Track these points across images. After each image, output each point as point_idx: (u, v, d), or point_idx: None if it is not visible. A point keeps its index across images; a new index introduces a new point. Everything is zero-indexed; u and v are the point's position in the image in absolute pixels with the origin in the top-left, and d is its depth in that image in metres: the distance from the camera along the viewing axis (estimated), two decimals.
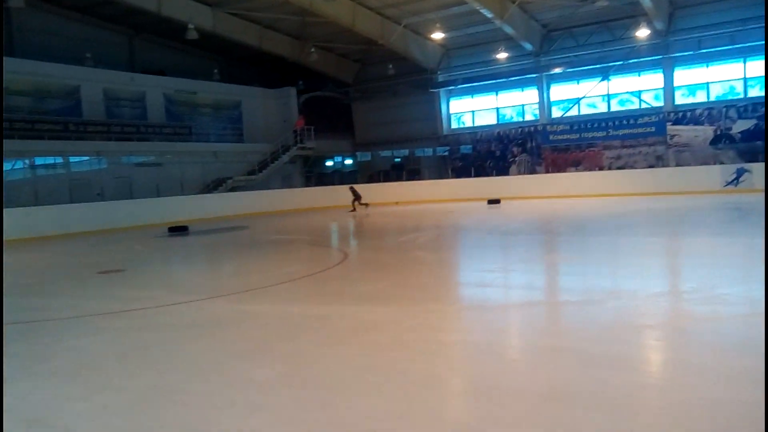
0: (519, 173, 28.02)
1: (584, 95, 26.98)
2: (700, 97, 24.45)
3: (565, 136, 26.88)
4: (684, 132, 24.14)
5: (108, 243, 16.06)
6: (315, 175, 31.48)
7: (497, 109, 29.74)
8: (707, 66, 24.15)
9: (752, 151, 22.00)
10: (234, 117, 29.63)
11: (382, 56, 29.23)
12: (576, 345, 4.79)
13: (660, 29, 23.79)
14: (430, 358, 4.62)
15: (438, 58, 30.10)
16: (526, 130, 28.19)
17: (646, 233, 12.52)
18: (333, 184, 29.46)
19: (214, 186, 26.18)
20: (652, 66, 25.08)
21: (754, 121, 22.52)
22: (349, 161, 34.61)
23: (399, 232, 15.37)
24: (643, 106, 25.69)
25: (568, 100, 27.53)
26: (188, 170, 25.94)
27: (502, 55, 27.11)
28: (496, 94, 29.57)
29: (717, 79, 24.07)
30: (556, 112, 27.90)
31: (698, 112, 23.93)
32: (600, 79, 26.26)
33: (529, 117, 28.75)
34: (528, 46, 26.60)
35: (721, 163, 22.58)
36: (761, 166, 19.53)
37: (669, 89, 24.83)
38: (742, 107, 22.98)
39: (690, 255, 9.71)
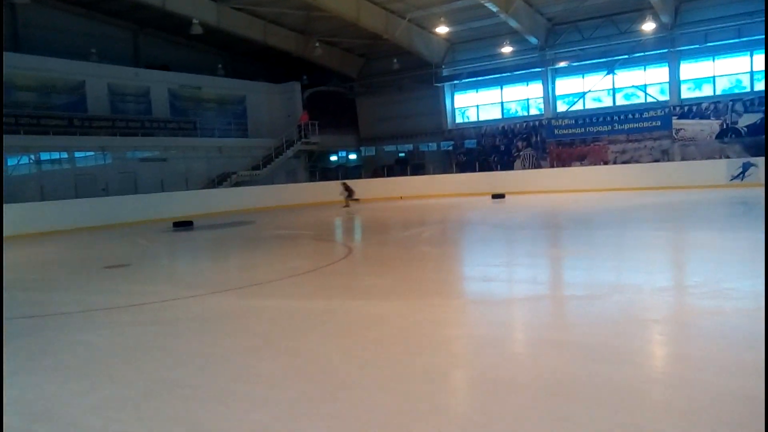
0: (523, 168, 27.95)
1: (589, 89, 26.86)
2: (706, 91, 24.31)
3: (570, 131, 26.78)
4: (690, 126, 24.02)
5: (113, 238, 16.12)
6: (319, 170, 31.48)
7: (502, 103, 29.65)
8: (713, 59, 24.00)
9: (758, 145, 21.89)
10: (238, 112, 29.64)
11: (387, 51, 29.16)
12: (580, 339, 4.79)
13: (666, 22, 23.65)
14: (434, 352, 4.62)
15: (443, 52, 30.01)
16: (531, 124, 28.11)
17: (651, 228, 12.47)
18: (337, 179, 29.40)
19: (218, 181, 26.22)
20: (657, 60, 24.94)
21: (760, 115, 22.38)
22: (353, 156, 34.58)
23: (403, 227, 15.37)
24: (649, 100, 25.57)
25: (573, 95, 27.42)
26: (193, 165, 25.99)
27: (507, 49, 27.00)
28: (501, 89, 29.48)
29: (723, 72, 23.91)
30: (561, 107, 27.80)
31: (704, 106, 23.80)
32: (605, 73, 26.14)
33: (533, 111, 28.66)
34: (533, 40, 26.49)
35: (727, 157, 22.47)
36: None
37: (675, 83, 24.69)
38: (749, 101, 22.84)
39: (695, 249, 9.68)
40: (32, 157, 21.71)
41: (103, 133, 23.48)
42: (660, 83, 25.29)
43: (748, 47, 22.91)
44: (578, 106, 27.28)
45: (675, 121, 24.24)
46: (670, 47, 24.18)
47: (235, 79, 29.48)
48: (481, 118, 30.23)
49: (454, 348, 4.86)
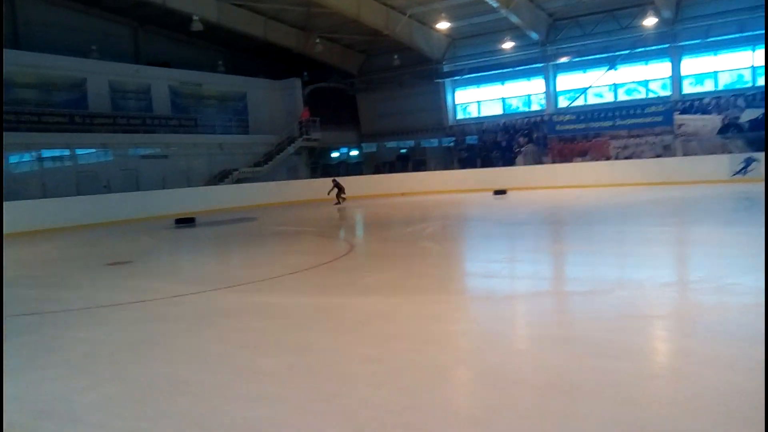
0: (525, 163, 27.92)
1: (591, 85, 26.80)
2: (708, 86, 24.25)
3: (572, 126, 26.74)
4: (691, 121, 23.97)
5: (115, 235, 16.14)
6: (320, 167, 31.46)
7: (503, 99, 29.60)
8: (715, 54, 23.93)
9: (761, 140, 21.82)
10: (239, 109, 29.62)
11: (388, 47, 29.11)
12: (583, 335, 4.79)
13: (667, 18, 23.58)
14: (437, 349, 4.63)
15: (443, 48, 29.96)
16: (533, 120, 28.07)
17: (654, 223, 12.46)
18: (339, 175, 29.43)
19: (220, 178, 26.22)
20: (659, 55, 24.88)
21: (762, 110, 22.31)
22: (354, 152, 34.57)
23: (405, 223, 15.37)
24: (651, 95, 25.51)
25: (575, 90, 27.37)
26: (194, 162, 26.00)
27: (508, 45, 26.95)
28: (502, 84, 29.43)
29: (725, 67, 23.85)
30: (563, 102, 27.75)
31: (706, 101, 23.75)
32: (607, 68, 26.07)
33: (535, 107, 28.61)
34: (534, 36, 26.43)
35: (729, 152, 22.42)
36: None
37: (676, 78, 24.63)
38: (751, 96, 22.78)
39: (698, 245, 9.67)
40: (34, 154, 21.72)
41: (105, 130, 23.48)
42: (662, 78, 25.24)
43: (750, 42, 22.84)
44: (580, 102, 27.23)
45: (677, 116, 24.20)
46: (671, 42, 24.11)
47: (236, 76, 29.45)
48: (482, 114, 30.19)
49: (457, 344, 4.87)
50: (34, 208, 18.32)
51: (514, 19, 24.60)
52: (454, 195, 24.26)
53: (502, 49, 27.39)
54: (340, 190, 23.08)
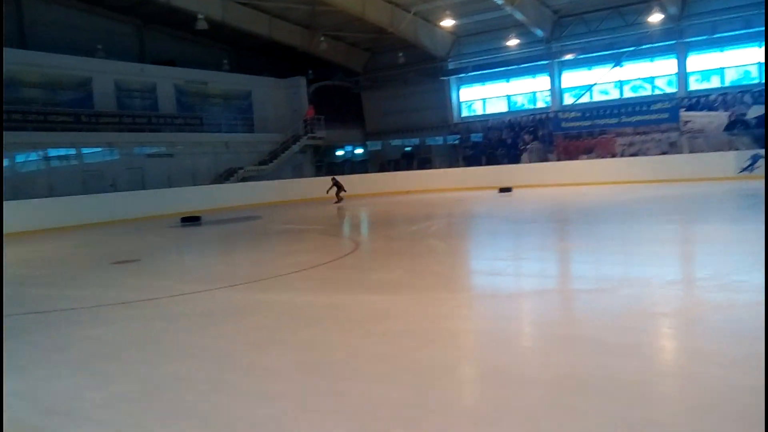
0: (530, 161, 27.83)
1: (596, 82, 26.71)
2: (715, 83, 24.12)
3: (577, 123, 26.62)
4: (698, 118, 23.84)
5: (122, 233, 16.20)
6: (325, 165, 31.47)
7: (508, 96, 29.53)
8: (722, 51, 23.80)
9: None
10: (244, 107, 29.66)
11: (392, 45, 29.07)
12: (589, 333, 4.78)
13: (673, 14, 23.46)
14: (442, 346, 4.63)
15: (448, 45, 29.90)
16: (538, 117, 27.98)
17: (660, 220, 12.41)
18: (344, 173, 29.44)
19: (225, 176, 26.28)
20: (665, 51, 24.75)
21: None
22: (359, 150, 34.56)
23: (410, 221, 15.36)
24: (656, 92, 25.40)
25: (580, 87, 27.27)
26: (200, 161, 26.06)
27: (513, 42, 26.86)
28: (507, 82, 29.35)
29: (732, 64, 23.72)
30: (568, 99, 27.66)
31: (712, 97, 23.62)
32: (612, 65, 25.97)
33: (540, 104, 28.52)
34: (539, 33, 26.34)
35: (736, 149, 22.28)
36: None
37: (682, 75, 24.51)
38: (757, 92, 22.62)
39: (704, 242, 9.62)
40: (40, 153, 21.82)
41: (110, 129, 23.56)
42: (668, 75, 25.12)
43: (757, 38, 22.68)
44: (585, 99, 27.13)
45: (683, 113, 24.07)
46: (677, 39, 23.99)
47: (241, 75, 29.47)
48: (487, 112, 30.11)
49: (462, 342, 4.87)
50: (41, 207, 18.41)
51: (519, 16, 24.52)
52: (459, 193, 24.22)
53: (507, 47, 27.31)
54: (339, 188, 23.05)
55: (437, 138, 31.26)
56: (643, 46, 24.82)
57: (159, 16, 26.61)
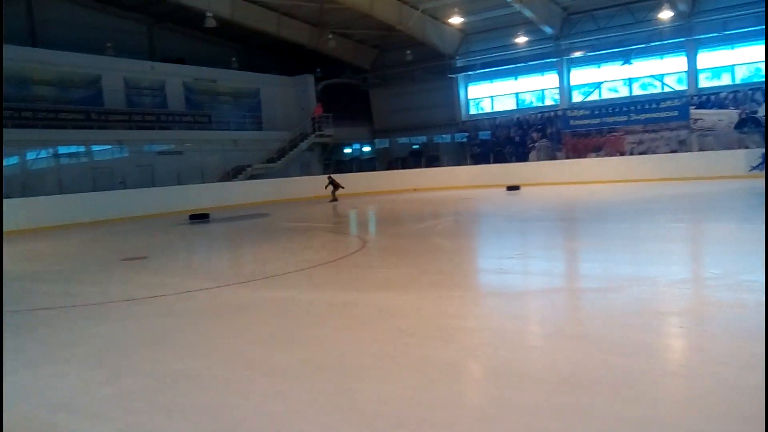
0: (538, 159, 27.73)
1: (605, 79, 26.57)
2: (725, 80, 23.95)
3: (586, 121, 26.48)
4: (708, 116, 23.66)
5: (131, 230, 16.29)
6: (333, 163, 31.50)
7: (516, 94, 29.45)
8: (732, 48, 23.61)
9: None
10: (253, 105, 29.74)
11: (400, 42, 29.05)
12: (596, 332, 4.77)
13: (683, 11, 23.29)
14: (449, 345, 4.63)
15: (456, 43, 29.84)
16: (546, 115, 27.88)
17: (669, 219, 12.34)
18: (351, 171, 29.47)
19: (234, 174, 26.36)
20: (675, 49, 24.60)
21: None
22: (367, 148, 34.57)
23: (418, 219, 15.36)
24: (666, 89, 25.24)
25: (589, 85, 27.15)
26: (208, 158, 26.14)
27: (522, 39, 26.77)
28: (516, 79, 29.27)
29: (742, 61, 23.53)
30: (577, 97, 27.55)
31: (723, 95, 23.45)
32: (621, 62, 25.83)
33: (549, 102, 28.43)
34: (548, 30, 26.23)
35: (746, 147, 22.11)
36: None
37: (692, 72, 24.35)
38: None
39: (713, 241, 9.57)
40: (50, 150, 21.97)
41: (120, 126, 23.68)
42: (677, 72, 24.97)
43: None
44: (594, 97, 27.02)
45: (693, 110, 23.90)
46: (687, 36, 23.83)
47: (250, 72, 29.55)
48: (495, 109, 30.05)
49: (470, 340, 4.86)
50: (51, 204, 18.56)
51: (528, 13, 24.43)
52: (467, 191, 24.18)
53: (516, 44, 27.22)
54: (336, 186, 22.97)
55: (445, 136, 31.21)
56: (653, 44, 24.68)
57: (168, 14, 26.72)
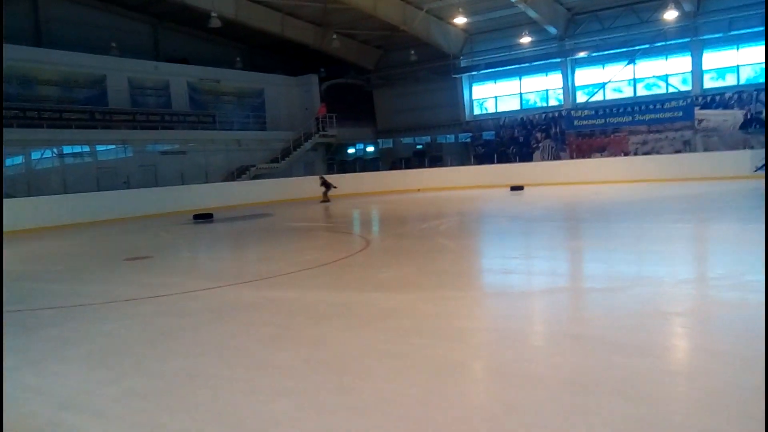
0: (542, 159, 27.71)
1: (610, 80, 26.53)
2: (730, 81, 23.88)
3: (590, 122, 26.48)
4: (713, 116, 23.61)
5: (135, 230, 16.33)
6: (337, 163, 31.54)
7: (521, 94, 29.42)
8: (737, 48, 23.54)
9: None
10: (257, 105, 29.79)
11: (404, 42, 29.05)
12: (600, 332, 4.76)
13: (688, 11, 23.23)
14: (452, 345, 4.63)
15: (460, 43, 29.83)
16: (550, 115, 27.84)
17: (673, 219, 12.31)
18: (355, 171, 29.50)
19: (237, 174, 26.42)
20: (679, 49, 24.54)
21: None
22: (371, 148, 34.59)
23: (421, 219, 15.35)
24: (671, 90, 25.18)
25: (593, 85, 27.11)
26: (212, 158, 26.21)
27: (526, 40, 26.74)
28: (520, 79, 29.24)
29: (747, 61, 23.46)
30: (581, 97, 27.50)
31: (728, 95, 23.37)
32: (626, 63, 25.79)
33: (553, 102, 28.39)
34: (552, 30, 26.20)
35: (751, 147, 22.06)
36: None
37: (697, 73, 24.28)
38: None
39: (718, 241, 9.54)
40: (55, 150, 22.05)
41: (124, 126, 23.76)
42: (682, 73, 24.90)
43: None
44: (598, 97, 26.97)
45: (697, 111, 23.85)
46: (692, 36, 23.76)
47: (254, 72, 29.61)
48: (499, 110, 30.03)
49: (473, 340, 4.86)
50: (55, 204, 18.63)
51: (532, 13, 24.40)
52: (471, 191, 24.17)
53: (520, 44, 27.19)
54: (328, 187, 22.90)
55: (449, 136, 31.20)
56: (658, 44, 24.62)
57: (173, 14, 26.79)
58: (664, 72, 25.39)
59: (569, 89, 27.39)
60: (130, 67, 24.79)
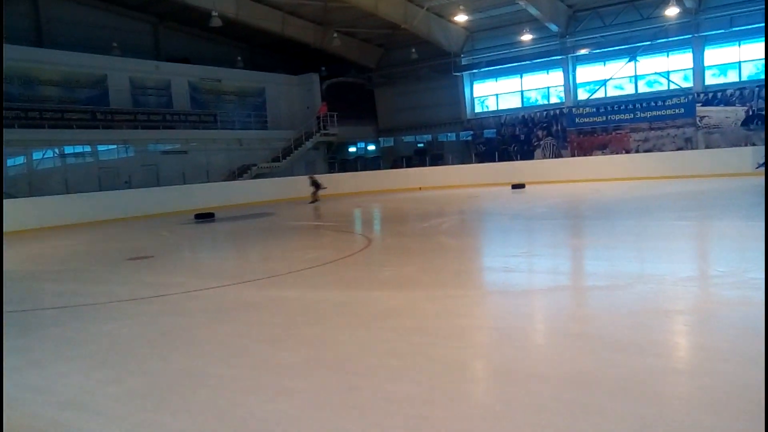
0: (544, 157, 27.68)
1: (611, 77, 26.48)
2: (732, 77, 23.81)
3: (592, 119, 26.45)
4: (714, 113, 23.57)
5: (136, 230, 16.35)
6: (338, 162, 31.53)
7: (522, 92, 29.38)
8: (739, 45, 23.47)
9: None
10: (258, 104, 29.78)
11: (405, 40, 29.02)
12: (602, 330, 4.76)
13: (690, 7, 23.16)
14: (454, 343, 4.63)
15: (461, 41, 29.79)
16: (552, 113, 27.81)
17: (674, 217, 12.30)
18: (356, 170, 29.49)
19: (239, 173, 26.42)
20: (681, 45, 24.47)
21: None
22: (372, 147, 34.59)
23: (422, 218, 15.35)
24: (672, 87, 25.13)
25: (595, 82, 27.06)
26: (214, 157, 26.23)
27: (527, 37, 26.70)
28: (521, 77, 29.19)
29: (749, 58, 23.39)
30: (582, 95, 27.46)
31: (729, 92, 23.32)
32: (627, 60, 25.73)
33: (554, 100, 28.35)
34: (553, 27, 26.15)
35: (753, 144, 22.03)
36: None
37: (699, 69, 24.22)
38: None
39: (719, 239, 9.53)
40: (56, 150, 22.07)
41: (125, 126, 23.77)
42: (683, 70, 24.83)
43: None
44: (599, 94, 26.93)
45: (699, 108, 23.81)
46: (694, 33, 23.69)
47: (255, 72, 29.60)
48: (500, 108, 29.98)
49: (475, 339, 4.86)
50: (57, 204, 18.66)
51: (533, 11, 24.36)
52: (472, 189, 24.16)
53: (521, 42, 27.15)
54: (318, 187, 22.83)
55: (450, 134, 31.17)
56: (659, 41, 24.56)
57: (174, 13, 26.79)
58: (665, 69, 25.33)
59: (570, 87, 27.34)
60: (131, 67, 24.80)
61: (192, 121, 26.32)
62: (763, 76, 22.95)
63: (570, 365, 3.98)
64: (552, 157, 27.30)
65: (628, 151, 25.37)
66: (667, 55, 25.19)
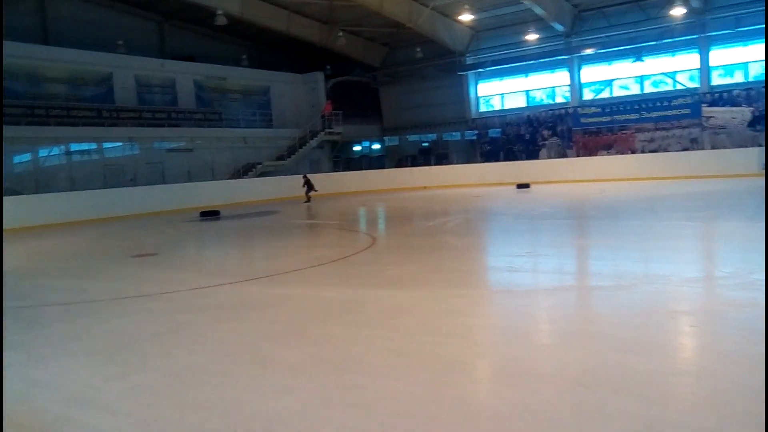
0: (549, 157, 27.63)
1: (616, 77, 26.40)
2: (738, 78, 23.70)
3: (597, 119, 26.38)
4: (720, 114, 23.47)
5: (141, 227, 16.40)
6: (343, 160, 31.54)
7: (527, 91, 29.32)
8: (746, 45, 23.36)
9: None
10: (263, 102, 29.81)
11: (410, 39, 29.01)
12: (607, 330, 4.75)
13: (696, 7, 23.07)
14: (458, 343, 4.63)
15: (466, 40, 29.75)
16: (557, 112, 27.74)
17: (680, 218, 12.26)
18: (361, 168, 29.50)
19: (244, 171, 26.45)
20: (687, 46, 24.38)
21: None
22: (377, 146, 34.59)
23: (427, 217, 15.35)
24: (678, 87, 25.04)
25: (600, 82, 26.99)
26: (219, 156, 26.27)
27: (532, 37, 26.64)
28: (526, 77, 29.13)
29: (756, 58, 23.27)
30: (588, 94, 27.39)
31: (735, 92, 23.22)
32: (633, 59, 25.64)
33: (559, 99, 28.28)
34: (559, 27, 26.09)
35: (759, 145, 21.92)
36: None
37: (705, 69, 24.12)
38: None
39: (725, 240, 9.49)
40: (62, 148, 22.15)
41: (131, 124, 23.83)
42: (689, 70, 24.75)
43: None
44: (605, 94, 26.85)
45: (705, 108, 23.71)
46: (700, 33, 23.60)
47: (260, 70, 29.63)
48: (505, 107, 29.94)
49: (479, 338, 4.86)
50: (63, 201, 18.74)
51: (539, 10, 24.31)
52: (477, 189, 24.13)
53: (526, 41, 27.10)
54: (310, 187, 22.81)
55: (455, 133, 31.14)
56: (665, 41, 24.47)
57: (179, 12, 26.83)
58: (671, 69, 25.24)
59: (576, 86, 27.29)
60: (136, 65, 24.85)
61: (197, 119, 26.37)
62: None
63: (574, 365, 3.97)
64: (557, 157, 27.24)
65: (633, 152, 25.30)
66: (673, 55, 25.10)
